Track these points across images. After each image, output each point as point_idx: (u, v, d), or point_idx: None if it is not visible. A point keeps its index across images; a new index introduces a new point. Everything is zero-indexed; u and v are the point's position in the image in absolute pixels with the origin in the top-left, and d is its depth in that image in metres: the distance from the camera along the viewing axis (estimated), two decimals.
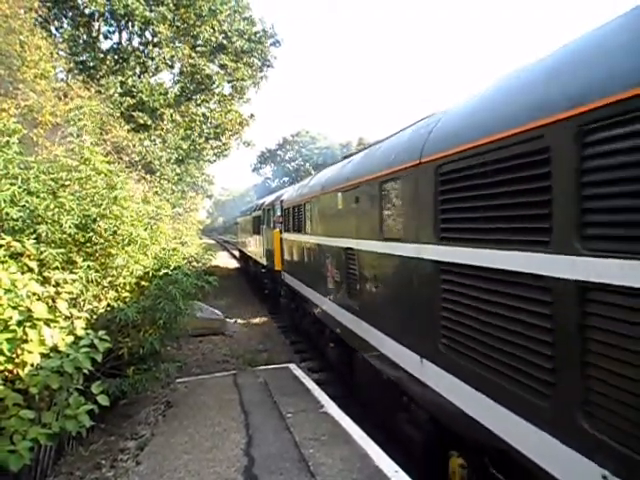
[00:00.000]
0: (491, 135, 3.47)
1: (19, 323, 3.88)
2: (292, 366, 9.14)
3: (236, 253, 37.40)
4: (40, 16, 11.92)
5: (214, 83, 20.67)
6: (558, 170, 2.81)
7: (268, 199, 18.21)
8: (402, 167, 5.11)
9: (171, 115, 18.79)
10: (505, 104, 3.60)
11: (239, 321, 15.30)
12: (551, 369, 2.88)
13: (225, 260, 37.80)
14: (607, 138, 2.49)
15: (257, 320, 15.59)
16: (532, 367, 3.05)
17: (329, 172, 9.32)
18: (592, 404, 2.59)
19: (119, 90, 17.10)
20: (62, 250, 5.26)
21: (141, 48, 19.67)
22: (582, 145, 2.64)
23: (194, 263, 8.09)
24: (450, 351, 4.09)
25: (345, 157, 9.20)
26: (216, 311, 13.95)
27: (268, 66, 22.52)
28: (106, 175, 6.16)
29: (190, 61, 19.26)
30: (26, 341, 3.89)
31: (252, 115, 23.24)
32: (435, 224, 4.33)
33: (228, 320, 14.57)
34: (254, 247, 21.16)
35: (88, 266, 5.45)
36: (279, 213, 14.48)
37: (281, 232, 14.14)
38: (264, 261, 17.68)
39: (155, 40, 19.15)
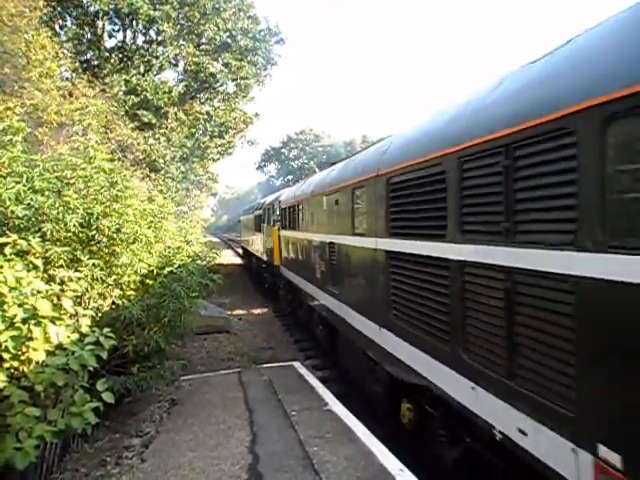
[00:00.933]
0: (415, 159, 4.90)
1: (24, 321, 3.89)
2: (296, 364, 9.15)
3: (240, 251, 38.44)
4: (45, 15, 11.94)
5: (218, 81, 20.71)
6: (450, 187, 4.16)
7: (269, 199, 19.21)
8: (366, 177, 6.47)
9: (175, 113, 18.83)
10: (423, 136, 5.08)
11: (241, 312, 16.21)
12: (447, 322, 4.25)
13: (229, 258, 37.79)
14: (474, 167, 3.83)
15: (258, 311, 16.78)
16: (441, 323, 4.40)
17: (318, 177, 10.74)
18: (468, 344, 3.95)
19: (123, 88, 17.14)
20: (67, 248, 5.27)
21: (145, 47, 19.71)
22: (462, 171, 3.98)
23: (198, 261, 8.09)
24: (398, 319, 5.44)
25: (332, 164, 10.60)
26: (220, 309, 13.97)
27: (272, 64, 22.54)
28: (107, 173, 6.17)
29: (194, 59, 19.30)
30: (31, 339, 3.90)
31: (256, 114, 23.28)
32: (386, 222, 5.70)
33: (232, 318, 14.59)
34: (256, 244, 22.20)
35: (93, 264, 5.46)
36: (278, 212, 15.39)
37: (279, 230, 15.04)
38: (265, 257, 18.82)
39: (159, 39, 19.20)
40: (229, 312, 15.52)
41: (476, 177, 3.82)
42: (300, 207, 11.55)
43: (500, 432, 3.50)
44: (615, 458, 2.44)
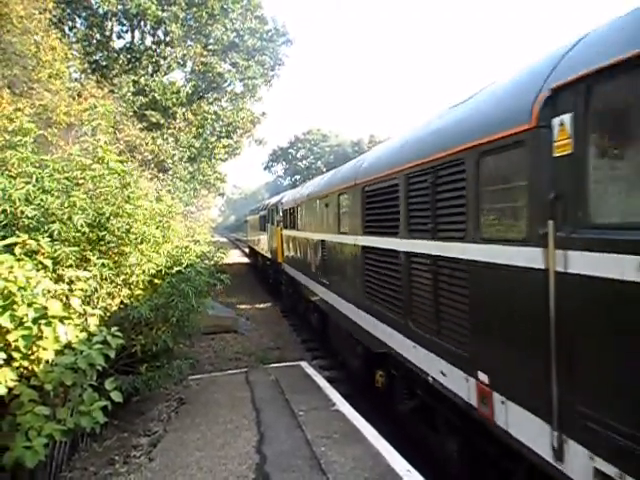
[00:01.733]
0: (379, 173, 6.35)
1: (34, 320, 3.92)
2: (304, 364, 9.15)
3: (247, 251, 39.27)
4: (54, 16, 12.03)
5: (226, 82, 20.77)
6: (400, 197, 5.52)
7: (272, 200, 20.72)
8: (347, 185, 7.86)
9: (183, 114, 18.90)
10: (385, 156, 6.61)
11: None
12: (401, 299, 5.54)
13: (237, 258, 37.91)
14: (415, 182, 5.16)
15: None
16: (396, 300, 5.69)
17: (313, 183, 12.20)
18: (413, 314, 5.17)
19: (132, 89, 17.22)
20: (76, 248, 5.30)
21: (153, 47, 19.79)
22: (407, 185, 5.32)
23: (206, 261, 8.12)
24: (370, 301, 6.77)
25: (328, 170, 12.04)
26: (228, 309, 14.00)
27: (280, 64, 22.55)
28: (119, 174, 6.19)
29: (202, 60, 19.35)
30: (41, 338, 3.93)
31: (264, 113, 23.30)
32: (362, 223, 7.00)
33: (240, 318, 14.63)
34: (261, 243, 23.59)
35: (102, 264, 5.49)
36: (280, 213, 16.53)
37: (281, 229, 16.19)
38: (269, 255, 20.16)
39: (167, 39, 19.26)
40: (237, 305, 16.65)
41: (416, 190, 5.15)
42: (298, 209, 12.85)
43: (432, 377, 4.79)
44: (485, 378, 3.80)
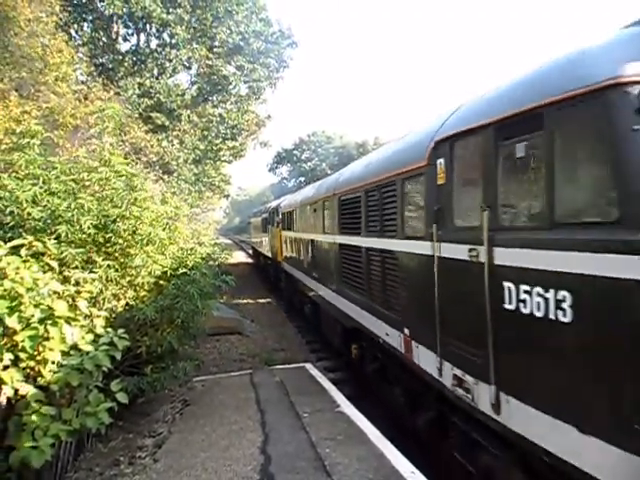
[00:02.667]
0: (350, 186, 7.97)
1: (41, 321, 3.95)
2: (308, 365, 9.16)
3: (251, 252, 40.32)
4: (61, 19, 12.11)
5: (231, 84, 20.78)
6: (362, 206, 7.11)
7: (273, 204, 22.25)
8: (328, 195, 9.59)
9: (188, 116, 18.95)
10: (354, 173, 8.21)
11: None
12: (364, 283, 7.06)
13: (241, 259, 37.97)
14: (370, 196, 6.75)
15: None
16: (362, 285, 7.18)
17: (305, 190, 14.32)
18: (372, 295, 6.72)
19: (137, 91, 17.28)
20: (82, 250, 5.33)
21: (159, 50, 19.85)
22: (366, 197, 6.91)
23: (210, 262, 8.15)
24: (344, 287, 8.36)
25: (317, 180, 13.97)
26: (232, 311, 14.03)
27: (284, 67, 22.57)
28: (126, 177, 6.23)
29: (207, 62, 19.39)
30: (47, 339, 3.96)
31: (269, 115, 23.33)
32: (339, 225, 8.64)
33: (245, 320, 14.65)
34: (263, 243, 25.43)
35: (108, 265, 5.52)
36: (280, 216, 17.91)
37: (281, 231, 17.53)
38: (270, 254, 21.78)
39: (173, 42, 19.31)
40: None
41: (371, 201, 6.82)
42: (294, 213, 14.46)
43: (382, 339, 6.36)
44: (408, 332, 5.41)
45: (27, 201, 5.25)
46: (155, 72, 19.36)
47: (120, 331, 4.51)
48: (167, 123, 17.99)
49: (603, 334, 2.75)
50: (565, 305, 2.94)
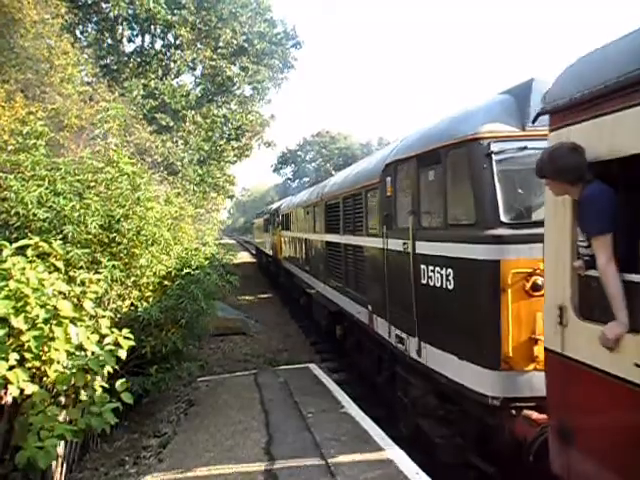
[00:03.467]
0: (332, 194, 9.69)
1: (46, 321, 3.97)
2: (312, 366, 9.15)
3: (254, 252, 42.04)
4: (66, 21, 12.16)
5: (235, 85, 20.84)
6: (340, 210, 8.93)
7: (274, 206, 24.43)
8: (317, 200, 11.27)
9: (193, 117, 18.99)
10: (335, 184, 9.92)
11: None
12: (343, 273, 8.77)
13: (245, 259, 38.02)
14: (346, 203, 8.58)
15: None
16: (341, 274, 8.90)
17: (300, 195, 16.02)
18: (348, 281, 8.44)
19: (142, 92, 17.34)
20: (87, 250, 5.36)
21: (163, 51, 19.93)
22: (344, 204, 8.74)
23: (215, 262, 8.17)
24: (330, 277, 9.88)
25: (310, 185, 16.73)
26: (237, 311, 14.06)
27: (289, 68, 22.60)
28: (130, 176, 6.25)
29: (211, 63, 19.45)
30: (53, 339, 3.97)
31: (272, 116, 23.35)
32: (325, 225, 10.22)
33: (249, 320, 14.67)
34: (264, 242, 27.32)
35: (113, 266, 5.54)
36: (280, 217, 19.56)
37: (280, 230, 19.16)
38: (271, 253, 23.51)
39: (177, 43, 19.39)
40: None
41: (347, 207, 8.53)
42: (291, 214, 16.30)
43: (356, 317, 7.82)
44: (370, 308, 6.92)
45: (32, 202, 5.28)
46: (160, 73, 19.43)
47: (125, 331, 4.53)
48: (172, 124, 18.04)
49: (468, 295, 4.38)
50: (450, 278, 4.52)
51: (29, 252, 4.42)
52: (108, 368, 4.19)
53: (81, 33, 18.06)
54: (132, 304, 6.16)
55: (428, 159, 5.04)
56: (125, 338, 4.43)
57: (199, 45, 19.74)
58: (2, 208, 5.51)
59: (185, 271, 6.73)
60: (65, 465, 4.77)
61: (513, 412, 4.02)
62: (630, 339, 2.43)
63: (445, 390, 4.94)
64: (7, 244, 4.27)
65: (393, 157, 6.05)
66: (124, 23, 18.68)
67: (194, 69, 20.86)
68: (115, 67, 18.47)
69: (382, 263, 6.21)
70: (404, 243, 5.44)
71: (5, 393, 3.81)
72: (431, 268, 4.85)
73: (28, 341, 3.83)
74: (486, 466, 4.39)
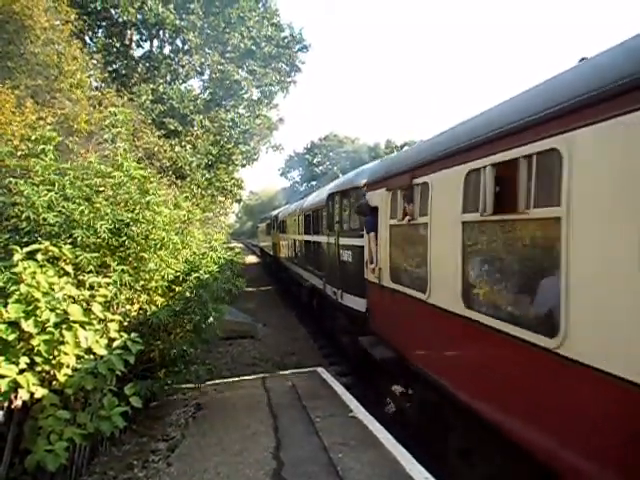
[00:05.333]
0: (307, 208, 14.85)
1: (56, 325, 3.99)
2: (320, 370, 9.14)
3: (259, 253, 45.40)
4: (76, 27, 12.27)
5: (242, 89, 20.89)
6: (311, 219, 14.05)
7: (274, 212, 29.37)
8: (299, 211, 16.32)
9: (201, 121, 19.06)
10: (308, 202, 15.16)
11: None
12: (321, 262, 12.13)
13: (252, 261, 38.17)
14: (315, 214, 13.58)
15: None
16: (313, 261, 13.45)
17: (290, 206, 21.18)
18: (321, 267, 12.15)
19: (150, 97, 17.44)
20: (96, 254, 5.38)
21: (172, 55, 20.04)
22: (312, 215, 13.95)
23: (224, 267, 8.18)
24: (307, 265, 14.36)
25: (301, 198, 20.50)
26: (245, 315, 14.08)
27: (296, 71, 22.65)
28: (139, 180, 6.28)
29: (219, 67, 19.53)
30: (62, 343, 4.00)
31: (281, 119, 23.41)
32: (306, 228, 14.83)
33: (257, 323, 14.69)
34: (268, 244, 32.22)
35: (122, 270, 5.56)
36: (278, 222, 24.35)
37: (278, 233, 24.03)
38: (272, 252, 28.28)
39: (185, 47, 19.49)
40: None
41: (312, 217, 13.54)
42: (286, 220, 21.04)
43: (320, 288, 11.87)
44: (325, 280, 11.33)
45: (43, 206, 5.31)
46: (168, 78, 19.55)
47: (133, 335, 4.54)
48: (180, 128, 18.13)
49: (354, 261, 8.84)
50: (350, 255, 9.09)
51: (39, 256, 4.45)
52: (117, 372, 4.20)
53: (90, 39, 18.19)
54: (141, 308, 6.18)
55: (344, 194, 9.86)
56: (134, 342, 4.45)
57: (207, 49, 19.84)
58: (12, 213, 5.55)
59: (194, 275, 6.74)
60: (74, 468, 4.78)
61: (367, 313, 8.10)
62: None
63: (350, 314, 9.13)
64: (18, 248, 4.30)
65: (330, 191, 10.98)
66: (133, 28, 18.82)
67: (202, 73, 20.95)
68: (124, 72, 18.59)
69: (327, 251, 11.11)
70: (335, 239, 10.18)
71: (15, 397, 3.83)
72: (344, 251, 9.53)
73: (38, 345, 3.85)
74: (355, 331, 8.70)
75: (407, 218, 6.03)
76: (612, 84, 2.76)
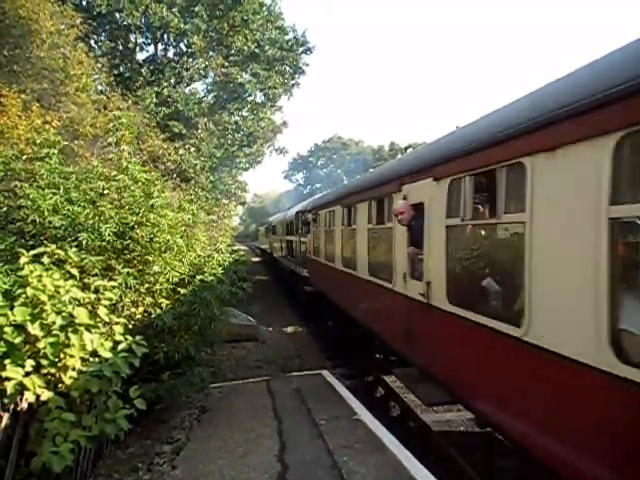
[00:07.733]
0: (287, 219, 22.45)
1: (62, 328, 4.01)
2: (325, 372, 9.12)
3: (260, 253, 51.23)
4: (81, 31, 12.35)
5: (246, 91, 20.99)
6: (293, 226, 20.26)
7: (271, 218, 35.66)
8: (283, 220, 23.90)
9: (205, 124, 19.16)
10: (286, 215, 23.68)
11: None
12: (291, 253, 21.11)
13: (254, 260, 38.31)
14: (292, 222, 20.27)
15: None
16: (291, 254, 21.22)
17: (280, 215, 28.03)
18: (300, 259, 18.43)
19: (155, 100, 17.55)
20: (101, 257, 5.40)
21: (176, 59, 20.15)
22: (292, 222, 21.02)
23: (228, 270, 8.18)
24: (289, 256, 21.69)
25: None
26: (249, 317, 14.09)
27: (300, 73, 22.73)
28: (143, 183, 6.30)
29: (223, 70, 19.62)
30: (68, 346, 4.01)
31: (284, 122, 23.49)
32: (287, 232, 22.19)
33: (261, 326, 14.70)
34: (267, 245, 37.30)
35: (127, 273, 5.57)
36: (273, 226, 30.25)
37: (273, 235, 30.27)
38: (270, 251, 33.81)
39: (189, 51, 19.59)
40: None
41: (291, 224, 20.41)
42: (276, 226, 27.32)
43: (297, 271, 18.33)
44: (300, 264, 17.75)
45: (48, 210, 5.34)
46: (172, 81, 19.65)
47: (138, 338, 4.55)
48: (184, 131, 18.23)
49: (306, 250, 16.37)
50: (305, 247, 16.48)
51: (45, 259, 4.47)
52: (122, 374, 4.21)
53: (95, 42, 18.33)
54: (145, 311, 6.18)
55: (302, 213, 16.60)
56: (138, 345, 4.46)
57: (211, 53, 19.94)
58: (18, 216, 5.58)
59: (198, 278, 6.75)
60: (79, 471, 4.79)
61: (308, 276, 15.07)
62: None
63: (303, 278, 15.93)
64: (24, 251, 4.32)
65: (296, 210, 18.12)
66: (137, 32, 18.94)
67: (206, 77, 21.08)
68: (128, 75, 18.72)
69: (299, 246, 17.45)
70: (299, 238, 17.36)
71: (21, 399, 3.85)
72: (302, 245, 16.73)
73: (44, 348, 3.87)
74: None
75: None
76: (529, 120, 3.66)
